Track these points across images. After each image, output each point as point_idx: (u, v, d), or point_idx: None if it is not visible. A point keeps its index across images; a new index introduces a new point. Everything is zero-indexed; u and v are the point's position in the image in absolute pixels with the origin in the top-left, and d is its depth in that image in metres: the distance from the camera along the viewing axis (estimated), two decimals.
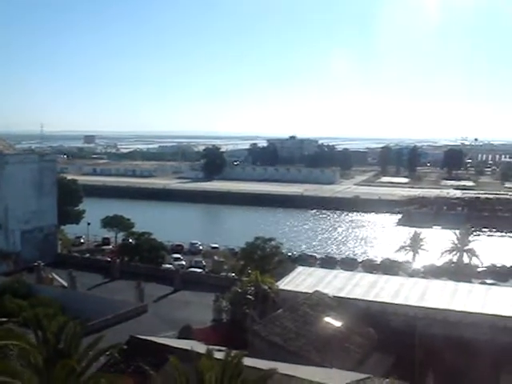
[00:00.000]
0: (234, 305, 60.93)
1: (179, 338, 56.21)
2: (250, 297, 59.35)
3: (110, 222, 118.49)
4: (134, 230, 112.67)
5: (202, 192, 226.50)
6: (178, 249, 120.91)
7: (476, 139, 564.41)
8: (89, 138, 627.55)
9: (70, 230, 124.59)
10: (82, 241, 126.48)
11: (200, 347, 33.95)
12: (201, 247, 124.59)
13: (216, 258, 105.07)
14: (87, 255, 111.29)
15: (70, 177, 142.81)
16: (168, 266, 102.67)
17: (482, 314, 53.93)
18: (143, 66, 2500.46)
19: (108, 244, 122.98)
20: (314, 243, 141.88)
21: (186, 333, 57.55)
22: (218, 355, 31.61)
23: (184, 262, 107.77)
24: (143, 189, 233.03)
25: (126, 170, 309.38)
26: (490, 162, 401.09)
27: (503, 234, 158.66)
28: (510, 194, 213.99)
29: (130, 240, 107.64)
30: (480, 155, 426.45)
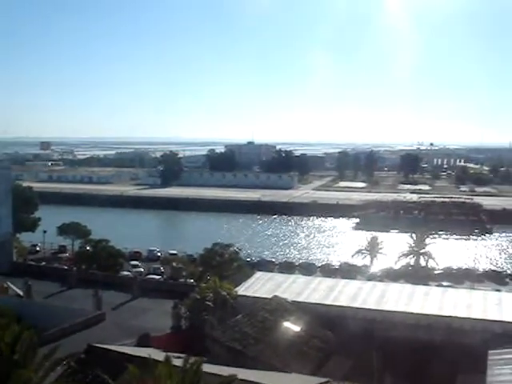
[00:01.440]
0: (192, 311, 60.77)
1: (138, 345, 55.82)
2: (209, 303, 59.29)
3: (67, 230, 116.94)
4: (91, 237, 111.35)
5: (160, 198, 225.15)
6: (135, 256, 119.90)
7: (432, 144, 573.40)
8: (45, 145, 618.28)
9: (26, 238, 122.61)
10: (37, 249, 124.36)
11: (159, 355, 33.80)
12: (159, 254, 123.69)
13: (174, 264, 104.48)
14: (43, 263, 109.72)
15: (25, 184, 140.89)
16: (126, 273, 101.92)
17: (438, 316, 54.78)
18: (98, 72, 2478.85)
19: (64, 252, 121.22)
20: (272, 248, 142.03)
21: (144, 340, 57.19)
22: (177, 362, 31.49)
23: (142, 269, 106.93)
24: (100, 195, 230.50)
25: (83, 176, 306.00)
26: (446, 166, 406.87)
27: (458, 236, 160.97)
28: (464, 197, 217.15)
29: (87, 247, 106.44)
30: (436, 159, 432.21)
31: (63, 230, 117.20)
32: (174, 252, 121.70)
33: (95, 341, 46.05)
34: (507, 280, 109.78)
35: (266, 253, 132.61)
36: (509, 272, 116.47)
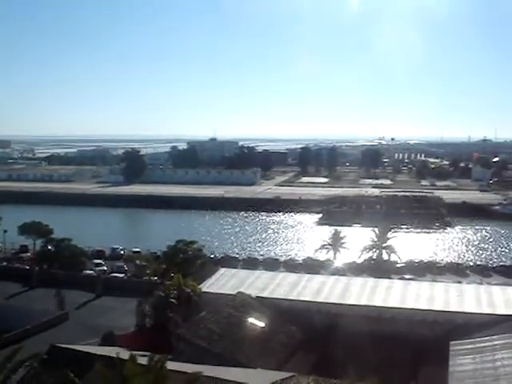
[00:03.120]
0: (157, 309, 60.65)
1: (102, 344, 55.60)
2: (173, 300, 59.22)
3: (28, 229, 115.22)
4: (53, 236, 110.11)
5: (123, 196, 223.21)
6: (99, 254, 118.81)
7: (392, 139, 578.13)
8: (4, 143, 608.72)
9: None
10: None
11: (123, 353, 33.66)
12: (122, 252, 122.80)
13: (138, 262, 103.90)
14: (4, 263, 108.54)
15: None
16: (89, 272, 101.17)
17: (401, 308, 55.56)
18: (59, 68, 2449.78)
19: (26, 251, 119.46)
20: (235, 245, 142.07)
21: (108, 339, 56.97)
22: (142, 361, 31.42)
23: (105, 268, 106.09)
24: (62, 194, 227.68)
25: (44, 175, 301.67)
26: (407, 161, 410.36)
27: (420, 230, 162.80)
28: (425, 191, 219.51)
29: (49, 247, 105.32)
30: (397, 154, 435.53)
31: (24, 229, 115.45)
32: (138, 250, 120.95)
33: (58, 341, 45.73)
34: (468, 272, 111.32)
35: (229, 249, 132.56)
36: (469, 264, 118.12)
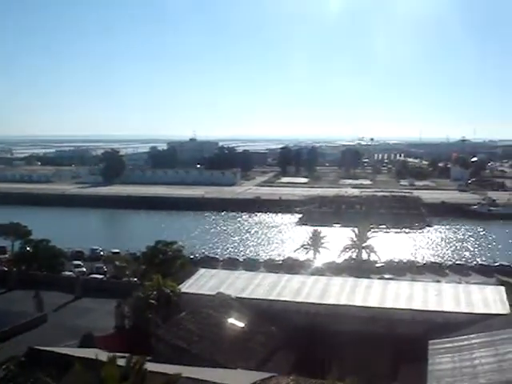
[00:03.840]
0: (136, 310, 60.44)
1: (81, 346, 55.27)
2: (153, 301, 59.02)
3: (6, 230, 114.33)
4: (31, 237, 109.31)
5: (102, 197, 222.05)
6: (78, 255, 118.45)
7: (372, 139, 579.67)
8: None
9: None
10: None
11: (102, 355, 33.46)
12: (102, 253, 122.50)
13: (117, 263, 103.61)
14: None
15: None
16: (68, 273, 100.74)
17: (380, 308, 55.78)
18: (35, 69, 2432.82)
19: (4, 253, 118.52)
20: (216, 245, 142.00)
21: (87, 341, 56.63)
22: (121, 362, 31.26)
23: (84, 269, 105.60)
24: (41, 195, 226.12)
25: (22, 175, 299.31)
26: (386, 161, 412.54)
27: (399, 230, 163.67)
28: (405, 191, 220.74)
29: (28, 248, 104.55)
30: (376, 154, 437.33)
31: (2, 230, 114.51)
32: (117, 251, 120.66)
33: (36, 343, 45.35)
34: (447, 271, 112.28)
35: (210, 250, 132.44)
36: (448, 263, 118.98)
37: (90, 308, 78.15)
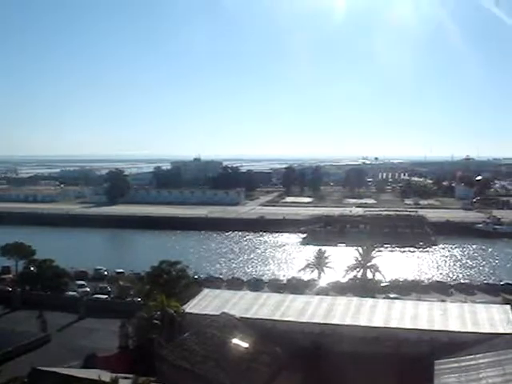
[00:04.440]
0: (140, 330, 60.15)
1: (84, 367, 55.07)
2: (157, 321, 58.77)
3: (10, 250, 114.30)
4: (35, 257, 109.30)
5: (106, 216, 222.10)
6: (81, 275, 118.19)
7: (376, 158, 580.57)
8: None
9: None
10: None
11: (105, 375, 33.34)
12: (106, 273, 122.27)
13: (121, 283, 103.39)
14: None
15: None
16: (72, 293, 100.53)
17: (385, 327, 55.48)
18: (41, 90, 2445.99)
19: (8, 273, 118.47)
20: (220, 265, 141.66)
21: (91, 361, 56.45)
22: (124, 383, 31.10)
23: (88, 289, 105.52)
24: (45, 214, 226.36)
25: (27, 195, 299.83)
26: (390, 180, 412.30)
27: (404, 249, 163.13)
28: (409, 210, 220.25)
29: (32, 268, 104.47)
30: (380, 173, 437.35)
31: (6, 250, 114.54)
32: (121, 271, 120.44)
33: (40, 363, 45.27)
34: (452, 290, 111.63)
35: (214, 269, 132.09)
36: (453, 283, 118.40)
37: (94, 328, 77.92)
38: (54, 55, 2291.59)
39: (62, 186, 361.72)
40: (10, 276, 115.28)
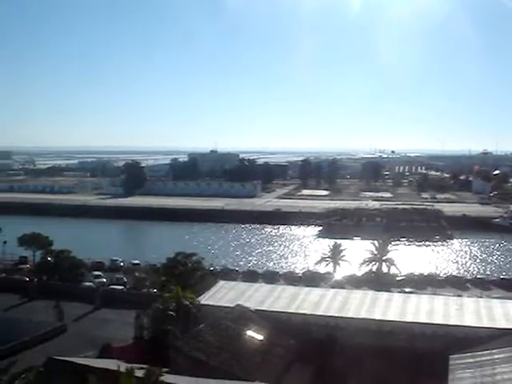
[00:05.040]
0: (155, 321, 60.41)
1: (99, 357, 55.40)
2: (172, 313, 58.96)
3: (28, 240, 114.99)
4: (52, 248, 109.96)
5: (123, 208, 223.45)
6: (98, 266, 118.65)
7: (393, 151, 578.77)
8: (5, 154, 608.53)
9: None
10: None
11: (120, 366, 33.47)
12: (122, 264, 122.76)
13: (137, 274, 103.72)
14: (3, 275, 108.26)
15: None
16: (88, 283, 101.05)
17: (400, 321, 55.39)
18: (60, 81, 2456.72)
19: (25, 263, 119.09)
20: (236, 257, 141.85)
21: (106, 352, 56.77)
22: (139, 373, 31.24)
23: (105, 280, 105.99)
24: (63, 205, 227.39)
25: (45, 186, 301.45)
26: (407, 174, 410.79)
27: (420, 243, 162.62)
28: (426, 204, 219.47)
29: (49, 258, 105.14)
30: (397, 167, 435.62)
31: (24, 240, 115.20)
32: (137, 262, 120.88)
33: (56, 353, 45.51)
34: (468, 285, 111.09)
35: (229, 261, 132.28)
36: (469, 277, 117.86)
37: (110, 319, 78.32)
38: (69, 50, 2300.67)
39: (87, 175, 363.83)
40: (28, 266, 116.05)
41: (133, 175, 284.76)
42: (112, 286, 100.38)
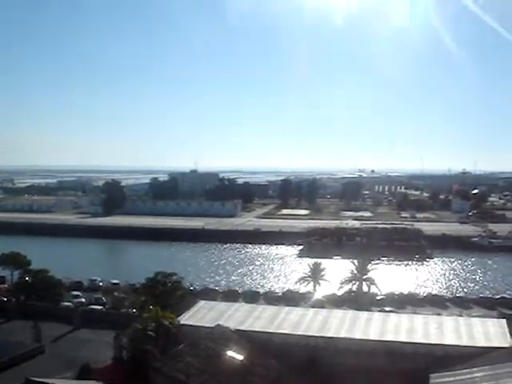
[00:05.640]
0: (134, 342, 59.83)
1: (78, 378, 54.81)
2: (151, 333, 58.53)
3: (6, 260, 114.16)
4: (30, 267, 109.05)
5: (102, 227, 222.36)
6: (77, 286, 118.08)
7: (373, 171, 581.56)
8: None
9: None
10: None
11: None
12: (101, 283, 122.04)
13: (116, 294, 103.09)
14: None
15: None
16: (67, 303, 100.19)
17: (380, 341, 55.33)
18: (37, 99, 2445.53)
19: (3, 283, 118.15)
20: (216, 277, 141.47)
21: (85, 372, 56.15)
22: None
23: (83, 300, 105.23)
24: (41, 224, 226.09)
25: (23, 205, 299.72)
26: (387, 193, 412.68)
27: (400, 262, 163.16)
28: (405, 223, 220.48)
29: (27, 278, 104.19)
30: (377, 186, 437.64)
31: (2, 260, 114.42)
32: (117, 282, 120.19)
33: (34, 374, 45.04)
34: (447, 304, 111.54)
35: (209, 281, 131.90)
36: (449, 296, 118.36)
37: (88, 339, 77.56)
38: (46, 68, 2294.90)
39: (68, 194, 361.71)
40: (5, 286, 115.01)
41: (112, 194, 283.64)
42: (91, 306, 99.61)
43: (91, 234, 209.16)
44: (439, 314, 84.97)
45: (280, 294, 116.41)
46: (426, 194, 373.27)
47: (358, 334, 57.34)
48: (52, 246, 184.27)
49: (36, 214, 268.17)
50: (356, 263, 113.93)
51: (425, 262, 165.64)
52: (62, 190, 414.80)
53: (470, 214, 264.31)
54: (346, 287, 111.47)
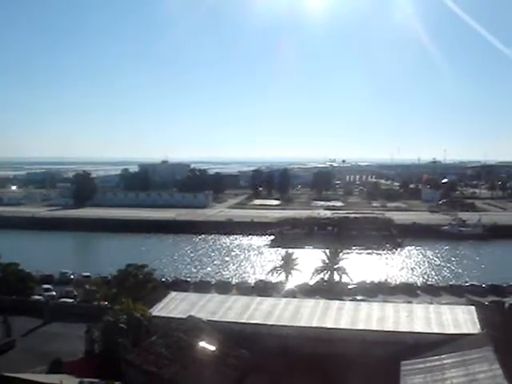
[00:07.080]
0: (106, 334, 59.48)
1: (49, 372, 54.39)
2: (123, 325, 58.23)
3: None
4: (0, 261, 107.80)
5: (72, 219, 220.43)
6: (47, 279, 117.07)
7: (344, 161, 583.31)
8: None
9: None
10: None
11: (71, 380, 33.01)
12: (72, 276, 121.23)
13: (87, 286, 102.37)
14: None
15: None
16: (37, 297, 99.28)
17: (352, 329, 55.72)
18: (11, 91, 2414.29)
19: None
20: (187, 268, 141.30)
21: (56, 367, 55.74)
22: None
23: (54, 293, 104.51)
24: (11, 218, 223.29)
25: None
26: (358, 183, 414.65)
27: (371, 251, 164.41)
28: (376, 212, 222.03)
29: None
30: (348, 176, 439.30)
31: None
32: (88, 274, 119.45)
33: (4, 369, 44.62)
34: (418, 292, 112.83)
35: (181, 272, 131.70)
36: (419, 284, 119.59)
37: (60, 333, 76.93)
38: (19, 61, 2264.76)
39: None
40: None
41: (83, 186, 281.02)
42: (62, 300, 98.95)
43: (61, 226, 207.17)
44: (410, 302, 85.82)
45: (252, 285, 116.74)
46: (396, 184, 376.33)
47: (329, 323, 57.63)
48: (22, 239, 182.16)
49: (6, 206, 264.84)
50: (327, 253, 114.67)
51: (396, 251, 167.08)
52: (31, 182, 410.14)
53: (440, 202, 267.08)
54: (318, 277, 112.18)
